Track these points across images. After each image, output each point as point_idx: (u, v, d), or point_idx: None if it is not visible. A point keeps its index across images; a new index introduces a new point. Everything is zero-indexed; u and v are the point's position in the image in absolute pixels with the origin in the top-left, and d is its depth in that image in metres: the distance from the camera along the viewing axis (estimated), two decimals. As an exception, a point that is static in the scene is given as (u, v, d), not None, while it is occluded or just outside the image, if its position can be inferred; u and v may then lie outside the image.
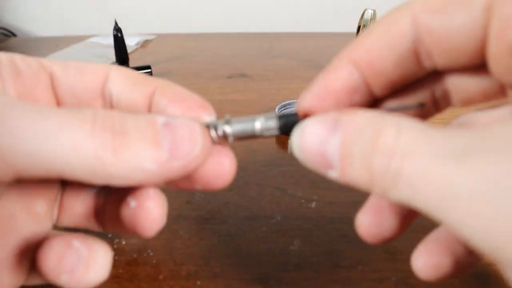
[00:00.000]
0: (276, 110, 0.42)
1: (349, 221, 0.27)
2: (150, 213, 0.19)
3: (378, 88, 0.18)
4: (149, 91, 0.20)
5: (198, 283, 0.23)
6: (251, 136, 0.18)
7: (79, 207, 0.24)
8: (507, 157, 0.12)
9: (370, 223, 0.21)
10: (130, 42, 0.74)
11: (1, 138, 0.14)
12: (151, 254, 0.25)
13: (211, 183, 0.21)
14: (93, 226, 0.24)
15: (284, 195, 0.31)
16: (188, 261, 0.24)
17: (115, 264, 0.24)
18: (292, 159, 0.37)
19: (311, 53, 0.70)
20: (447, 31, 0.16)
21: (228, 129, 0.18)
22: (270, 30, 0.88)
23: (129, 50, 0.65)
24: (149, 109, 0.21)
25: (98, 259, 0.19)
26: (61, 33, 0.87)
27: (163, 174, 0.16)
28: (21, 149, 0.14)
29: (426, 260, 0.19)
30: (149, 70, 0.57)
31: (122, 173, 0.16)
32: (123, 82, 0.21)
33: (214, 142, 0.18)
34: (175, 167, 0.16)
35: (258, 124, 0.18)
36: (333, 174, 0.15)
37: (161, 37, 0.83)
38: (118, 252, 0.25)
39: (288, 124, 0.18)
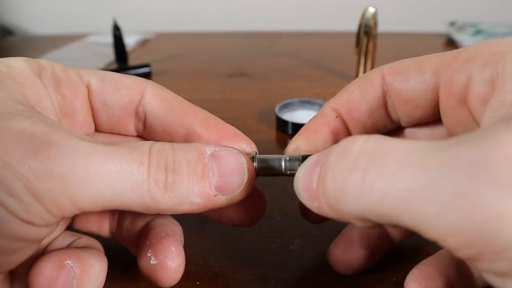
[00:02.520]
0: (276, 109, 0.42)
1: (350, 221, 0.27)
2: (168, 271, 0.19)
3: (355, 133, 0.21)
4: (186, 121, 0.21)
5: (198, 283, 0.23)
6: (276, 174, 0.20)
7: (95, 216, 0.24)
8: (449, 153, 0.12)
9: (340, 254, 0.22)
10: (129, 41, 0.73)
11: (72, 183, 0.15)
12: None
13: (242, 222, 0.22)
14: (105, 234, 0.24)
15: (284, 195, 0.30)
16: (187, 261, 0.24)
17: (114, 264, 0.24)
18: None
19: (311, 52, 0.70)
20: (406, 87, 0.20)
21: (254, 164, 0.19)
22: (270, 28, 0.88)
23: (128, 49, 0.65)
24: (185, 138, 0.21)
25: (92, 275, 0.19)
26: (60, 32, 0.86)
27: (209, 207, 0.17)
28: (89, 193, 0.15)
29: (419, 284, 0.20)
30: (148, 69, 0.57)
31: (171, 207, 0.16)
32: (159, 105, 0.21)
33: None
34: (220, 201, 0.17)
35: (283, 163, 0.19)
36: (315, 205, 0.16)
37: (161, 35, 0.82)
38: (116, 252, 0.25)
39: None
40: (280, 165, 0.19)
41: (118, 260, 0.24)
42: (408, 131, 0.22)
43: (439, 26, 0.81)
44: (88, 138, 0.16)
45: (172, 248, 0.19)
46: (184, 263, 0.19)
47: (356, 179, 0.13)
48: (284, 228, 0.27)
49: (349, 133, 0.21)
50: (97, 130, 0.23)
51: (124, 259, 0.24)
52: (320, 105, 0.43)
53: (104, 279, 0.20)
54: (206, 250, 0.25)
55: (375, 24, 0.47)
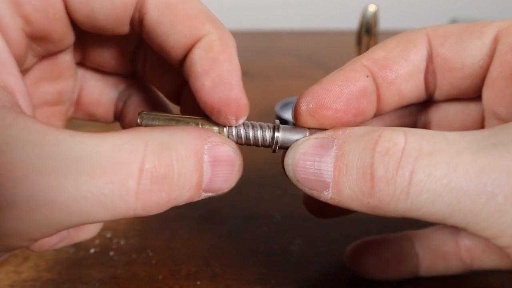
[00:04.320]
0: (277, 108, 0.42)
1: (350, 221, 0.27)
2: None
3: (385, 100, 0.18)
4: (189, 42, 0.16)
5: (198, 283, 0.22)
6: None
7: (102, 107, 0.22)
8: None
9: (370, 266, 0.22)
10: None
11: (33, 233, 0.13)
12: (150, 254, 0.24)
13: None
14: (109, 120, 0.22)
15: (285, 195, 0.30)
16: (188, 261, 0.24)
17: (114, 264, 0.24)
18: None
19: (312, 50, 0.70)
20: (457, 53, 0.17)
21: (278, 135, 0.17)
22: (270, 27, 0.88)
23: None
24: (182, 63, 0.17)
25: (87, 229, 0.19)
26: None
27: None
28: (52, 229, 0.13)
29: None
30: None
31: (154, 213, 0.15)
32: (159, 17, 0.16)
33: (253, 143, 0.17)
34: (203, 197, 0.16)
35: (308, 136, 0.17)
36: (327, 195, 0.15)
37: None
38: (117, 252, 0.25)
39: None
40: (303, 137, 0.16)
41: (118, 260, 0.24)
42: (436, 106, 0.20)
43: (441, 23, 0.81)
44: (53, 148, 0.13)
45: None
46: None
47: (402, 181, 0.13)
48: (285, 228, 0.27)
49: (378, 98, 0.18)
50: (78, 34, 0.18)
51: (125, 259, 0.24)
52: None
53: (101, 225, 0.20)
54: (206, 250, 0.25)
55: (376, 22, 0.47)
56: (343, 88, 0.17)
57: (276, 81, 0.55)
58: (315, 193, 0.15)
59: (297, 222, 0.27)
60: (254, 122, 0.17)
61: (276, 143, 0.17)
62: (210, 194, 0.16)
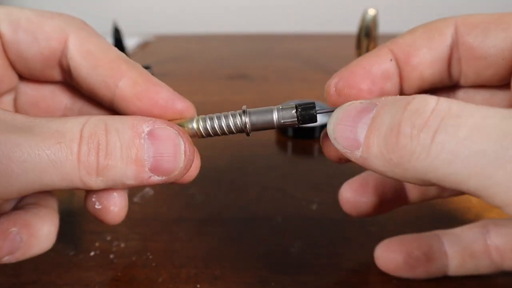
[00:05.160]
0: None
1: (351, 223, 0.27)
2: (112, 214, 0.20)
3: (408, 83, 0.19)
4: (112, 83, 0.19)
5: (198, 286, 0.22)
6: (270, 127, 0.19)
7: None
8: None
9: (351, 196, 0.23)
10: (129, 43, 0.73)
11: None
12: (150, 256, 0.24)
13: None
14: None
15: (285, 197, 0.30)
16: (188, 264, 0.24)
17: (114, 267, 0.24)
18: (293, 161, 0.36)
19: (311, 54, 0.70)
20: (482, 43, 0.18)
21: (246, 120, 0.18)
22: (270, 30, 0.88)
23: (128, 51, 0.65)
24: (113, 102, 0.19)
25: (40, 238, 0.20)
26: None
27: (142, 185, 0.17)
28: (12, 188, 0.15)
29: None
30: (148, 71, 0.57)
31: (104, 188, 0.17)
32: (82, 61, 0.19)
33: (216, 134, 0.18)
34: (155, 181, 0.17)
35: (276, 115, 0.18)
36: (357, 154, 0.16)
37: (161, 38, 0.82)
38: (117, 255, 0.25)
39: (306, 113, 0.19)
40: (272, 117, 0.18)
41: (118, 263, 0.24)
42: (463, 92, 0.21)
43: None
44: (7, 118, 0.15)
45: (115, 195, 0.19)
46: (127, 205, 0.20)
47: (425, 139, 0.13)
48: (285, 230, 0.27)
49: (401, 81, 0.19)
50: (20, 78, 0.21)
51: (124, 262, 0.24)
52: (321, 107, 0.43)
53: (55, 236, 0.20)
54: (206, 253, 0.25)
55: (376, 26, 0.47)
56: (367, 70, 0.19)
57: (275, 84, 0.55)
58: (348, 153, 0.16)
59: (297, 225, 0.27)
60: (225, 113, 0.19)
61: (248, 126, 0.18)
62: (161, 178, 0.17)
